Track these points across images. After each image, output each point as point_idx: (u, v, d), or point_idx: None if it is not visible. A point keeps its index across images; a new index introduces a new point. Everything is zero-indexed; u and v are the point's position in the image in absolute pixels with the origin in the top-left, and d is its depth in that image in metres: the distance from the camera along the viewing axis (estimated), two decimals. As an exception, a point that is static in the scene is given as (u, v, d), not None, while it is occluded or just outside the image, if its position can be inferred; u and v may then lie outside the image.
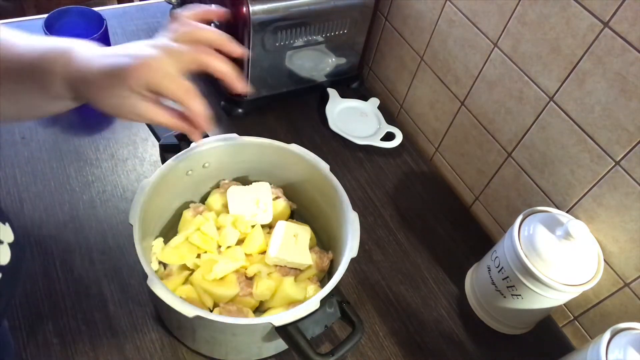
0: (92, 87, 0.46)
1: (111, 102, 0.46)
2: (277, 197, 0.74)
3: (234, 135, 0.70)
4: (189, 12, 0.50)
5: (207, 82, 0.99)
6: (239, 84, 0.49)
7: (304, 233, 0.69)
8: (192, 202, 0.74)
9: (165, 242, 0.68)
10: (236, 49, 0.50)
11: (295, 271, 0.68)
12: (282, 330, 0.55)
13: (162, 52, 0.46)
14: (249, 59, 0.86)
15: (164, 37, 0.48)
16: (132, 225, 0.58)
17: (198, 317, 0.53)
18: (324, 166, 0.69)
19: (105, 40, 0.88)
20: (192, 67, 0.47)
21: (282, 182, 0.75)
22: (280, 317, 0.55)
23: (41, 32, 0.83)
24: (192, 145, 0.67)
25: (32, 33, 0.49)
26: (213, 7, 0.52)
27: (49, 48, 0.48)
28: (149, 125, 0.79)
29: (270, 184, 0.74)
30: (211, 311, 0.64)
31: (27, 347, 0.63)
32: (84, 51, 0.47)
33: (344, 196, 0.66)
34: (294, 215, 0.77)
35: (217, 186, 0.75)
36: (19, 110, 0.51)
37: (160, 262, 0.67)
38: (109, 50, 0.47)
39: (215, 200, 0.72)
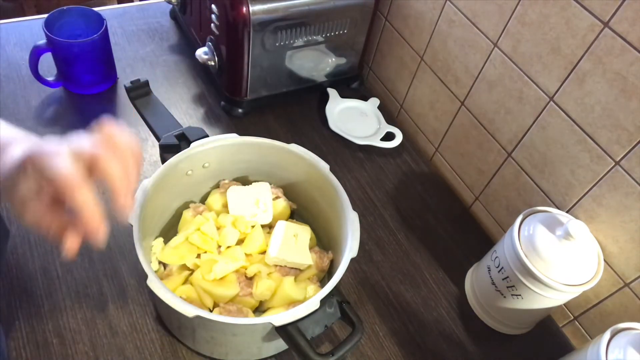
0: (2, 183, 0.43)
1: (7, 195, 0.43)
2: (277, 197, 0.74)
3: (234, 135, 0.70)
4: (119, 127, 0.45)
5: (207, 82, 0.99)
6: (126, 202, 0.43)
7: (304, 233, 0.69)
8: (192, 202, 0.74)
9: (165, 242, 0.68)
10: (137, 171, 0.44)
11: (295, 271, 0.68)
12: (282, 330, 0.55)
13: (66, 145, 0.42)
14: (249, 59, 0.86)
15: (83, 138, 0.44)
16: (132, 225, 0.58)
17: (198, 317, 0.53)
18: (324, 166, 0.69)
19: (105, 40, 0.88)
20: (89, 165, 0.41)
21: (282, 182, 0.75)
22: (280, 317, 0.55)
23: (41, 32, 0.83)
24: (192, 145, 0.67)
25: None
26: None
27: None
28: (148, 125, 0.79)
29: (270, 184, 0.74)
30: (211, 311, 0.64)
31: (27, 347, 0.63)
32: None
33: (344, 196, 0.66)
34: (294, 215, 0.77)
35: (217, 186, 0.75)
36: None
37: (160, 262, 0.67)
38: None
39: (215, 200, 0.72)
